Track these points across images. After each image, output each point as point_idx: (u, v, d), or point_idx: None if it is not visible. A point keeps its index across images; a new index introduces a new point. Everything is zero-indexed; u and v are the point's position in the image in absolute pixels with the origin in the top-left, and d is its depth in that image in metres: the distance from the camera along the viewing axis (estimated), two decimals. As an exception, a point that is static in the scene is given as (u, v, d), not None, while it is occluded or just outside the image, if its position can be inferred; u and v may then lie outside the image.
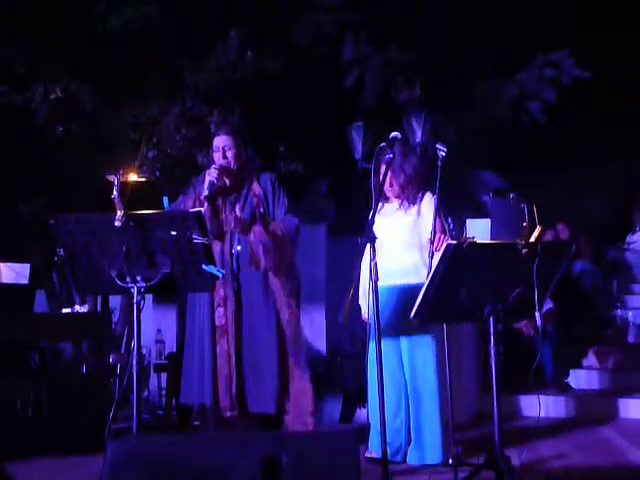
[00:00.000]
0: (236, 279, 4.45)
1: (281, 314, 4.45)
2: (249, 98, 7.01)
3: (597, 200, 11.18)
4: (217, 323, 4.44)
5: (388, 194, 4.45)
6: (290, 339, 4.45)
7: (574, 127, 9.46)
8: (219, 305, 4.44)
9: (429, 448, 4.29)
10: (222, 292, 4.42)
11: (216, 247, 4.37)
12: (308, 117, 7.08)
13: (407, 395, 4.38)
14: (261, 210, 4.49)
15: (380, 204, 4.50)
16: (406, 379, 4.36)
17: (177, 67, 7.00)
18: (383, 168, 3.91)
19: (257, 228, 4.41)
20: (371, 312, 4.19)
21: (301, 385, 4.43)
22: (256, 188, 4.55)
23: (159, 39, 6.88)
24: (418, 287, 3.88)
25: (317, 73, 7.16)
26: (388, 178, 4.33)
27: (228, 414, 4.41)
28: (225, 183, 4.47)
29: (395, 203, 4.46)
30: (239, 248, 4.42)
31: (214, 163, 4.52)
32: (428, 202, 4.37)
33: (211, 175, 4.37)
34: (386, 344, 3.92)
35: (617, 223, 10.75)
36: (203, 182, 4.40)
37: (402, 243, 4.34)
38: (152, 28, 6.82)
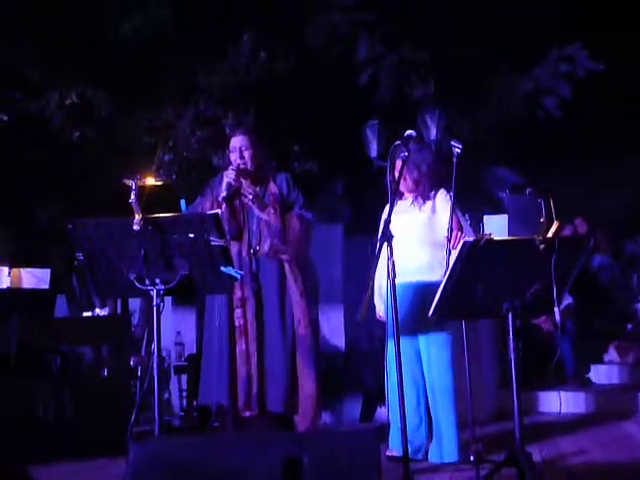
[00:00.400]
0: (256, 279, 4.47)
1: (294, 313, 4.47)
2: (263, 99, 7.04)
3: (614, 195, 11.12)
4: (236, 324, 4.46)
5: (402, 189, 4.45)
6: (300, 338, 4.46)
7: (589, 122, 9.41)
8: (237, 306, 4.46)
9: (446, 446, 4.29)
10: (240, 293, 4.45)
11: (234, 248, 4.40)
12: (322, 116, 7.10)
13: (425, 393, 4.38)
14: (278, 209, 4.51)
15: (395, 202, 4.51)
16: (424, 376, 4.36)
17: (191, 71, 7.03)
18: (398, 165, 3.92)
19: (271, 210, 4.44)
20: (387, 310, 4.24)
21: (306, 385, 4.44)
22: (272, 187, 4.58)
23: (172, 43, 6.91)
24: (433, 284, 3.90)
25: (331, 72, 7.18)
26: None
27: (247, 414, 4.43)
28: (242, 184, 4.49)
29: (409, 200, 4.45)
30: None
31: (231, 164, 4.54)
32: (442, 199, 4.37)
33: (228, 176, 4.40)
34: (403, 342, 3.91)
35: (634, 217, 10.69)
36: (220, 184, 4.43)
37: (416, 240, 4.32)
38: (165, 32, 6.85)
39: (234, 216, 4.49)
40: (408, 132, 3.89)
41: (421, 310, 4.01)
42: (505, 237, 4.17)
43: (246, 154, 4.53)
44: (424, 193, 4.40)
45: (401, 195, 4.48)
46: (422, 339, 4.31)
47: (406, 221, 4.36)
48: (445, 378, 4.29)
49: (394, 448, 4.26)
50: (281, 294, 4.49)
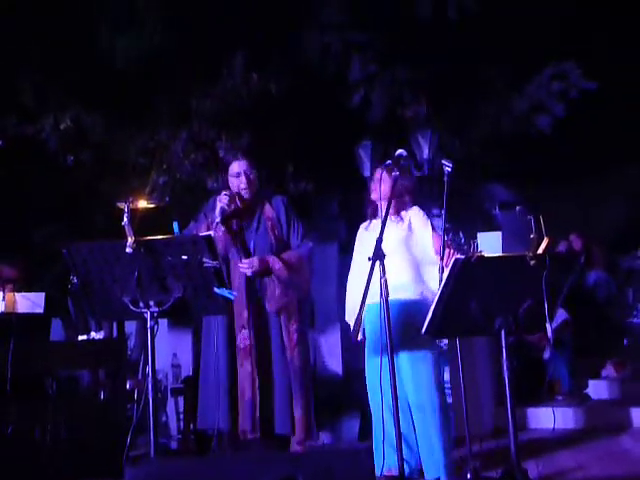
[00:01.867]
0: (259, 301, 4.46)
1: (284, 335, 4.47)
2: (256, 120, 7.08)
3: (609, 210, 11.16)
4: (241, 345, 4.42)
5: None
6: (292, 361, 4.47)
7: (584, 136, 9.46)
8: (244, 327, 4.42)
9: (434, 464, 4.27)
10: (245, 314, 4.43)
11: (236, 271, 4.42)
12: (315, 136, 7.14)
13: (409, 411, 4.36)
14: (276, 233, 4.54)
15: (368, 221, 4.56)
16: (407, 395, 4.33)
17: (184, 92, 7.08)
18: (385, 184, 3.97)
19: (276, 265, 4.44)
20: (368, 330, 4.26)
21: (296, 413, 4.43)
22: (268, 211, 4.59)
23: (164, 65, 6.97)
24: (411, 303, 3.96)
25: (324, 92, 7.22)
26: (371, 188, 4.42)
27: (250, 437, 4.39)
28: (237, 207, 4.52)
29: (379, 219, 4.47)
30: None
31: (231, 188, 4.56)
32: (419, 217, 4.41)
33: (222, 201, 4.42)
34: (375, 360, 3.95)
35: (630, 232, 10.72)
36: (213, 208, 4.45)
37: (394, 258, 4.28)
38: (156, 54, 6.91)
39: (234, 238, 4.51)
40: (399, 151, 3.95)
41: (400, 328, 4.04)
42: (496, 254, 4.20)
43: (248, 179, 4.55)
44: (397, 209, 4.42)
45: (375, 215, 4.51)
46: (402, 357, 4.26)
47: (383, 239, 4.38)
48: (428, 396, 4.24)
49: (392, 467, 4.25)
50: (276, 315, 4.49)
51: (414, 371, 4.25)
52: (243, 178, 4.54)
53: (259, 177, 4.61)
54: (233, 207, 4.50)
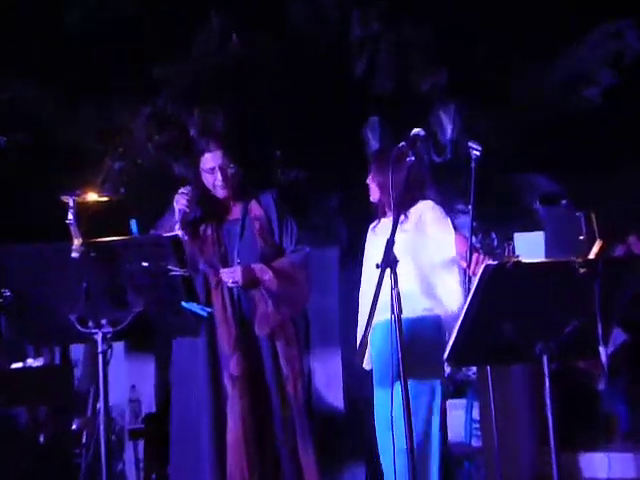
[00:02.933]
0: (243, 319, 4.43)
1: (283, 363, 4.43)
2: (236, 93, 7.08)
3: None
4: (235, 372, 4.36)
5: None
6: (296, 396, 4.43)
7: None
8: (235, 350, 4.38)
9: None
10: (234, 332, 4.39)
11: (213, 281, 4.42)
12: (310, 114, 7.13)
13: None
14: (266, 237, 4.53)
15: (377, 220, 4.55)
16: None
17: (146, 59, 7.07)
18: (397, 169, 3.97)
19: (266, 275, 4.41)
20: (375, 354, 4.25)
21: (305, 459, 4.41)
22: (256, 209, 4.58)
23: (122, 27, 6.98)
24: (415, 321, 4.01)
25: (319, 60, 7.22)
26: (372, 178, 4.47)
27: None
28: (211, 207, 4.50)
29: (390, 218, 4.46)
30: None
31: (205, 184, 4.54)
32: (432, 214, 4.39)
33: (179, 203, 4.39)
34: (385, 389, 3.96)
35: None
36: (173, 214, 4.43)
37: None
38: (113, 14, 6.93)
39: (205, 246, 4.48)
40: (415, 131, 3.94)
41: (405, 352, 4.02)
42: (537, 259, 4.20)
43: (225, 174, 4.51)
44: (404, 207, 4.39)
45: (384, 212, 4.50)
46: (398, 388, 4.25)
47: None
48: (425, 439, 4.23)
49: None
50: (271, 342, 4.45)
51: (419, 404, 4.18)
52: (218, 174, 4.51)
53: (241, 170, 4.57)
54: (202, 209, 4.47)
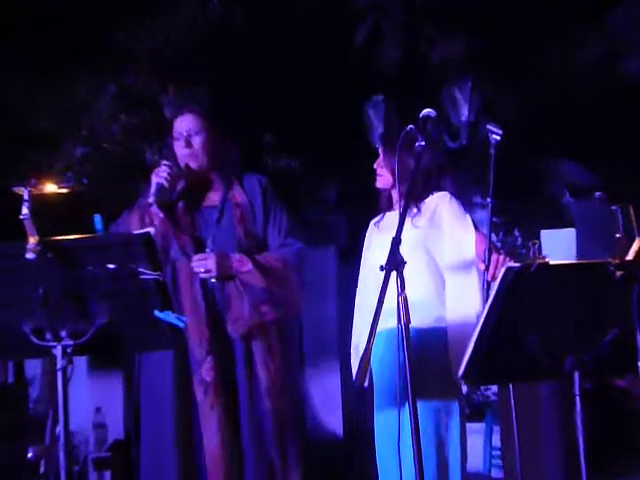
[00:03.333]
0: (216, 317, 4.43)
1: (260, 374, 4.43)
2: (218, 66, 7.10)
3: None
4: (207, 378, 4.31)
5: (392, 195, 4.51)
6: (280, 411, 4.44)
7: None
8: (208, 352, 4.35)
9: None
10: (207, 332, 4.35)
11: (182, 272, 4.40)
12: (304, 90, 7.15)
13: None
14: (247, 226, 4.52)
15: (380, 215, 4.56)
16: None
17: (112, 27, 7.09)
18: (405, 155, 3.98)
19: (245, 267, 4.42)
20: (377, 369, 4.26)
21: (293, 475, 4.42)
22: (238, 195, 4.55)
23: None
24: (426, 331, 4.02)
25: (315, 27, 7.24)
26: (380, 166, 4.47)
27: None
28: (189, 184, 4.50)
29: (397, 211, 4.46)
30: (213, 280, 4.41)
31: (177, 157, 4.54)
32: (449, 208, 4.41)
33: (159, 175, 4.37)
34: (390, 412, 3.99)
35: None
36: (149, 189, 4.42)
37: (408, 267, 4.24)
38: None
39: (179, 230, 4.47)
40: (425, 111, 3.94)
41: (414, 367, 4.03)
42: (567, 260, 4.21)
43: (196, 140, 4.50)
44: (416, 199, 4.40)
45: (390, 205, 4.53)
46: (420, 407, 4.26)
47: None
48: (449, 469, 4.24)
49: None
50: (247, 346, 4.46)
51: (427, 426, 4.14)
52: (184, 142, 4.50)
53: (220, 143, 4.58)
54: (181, 186, 4.49)
